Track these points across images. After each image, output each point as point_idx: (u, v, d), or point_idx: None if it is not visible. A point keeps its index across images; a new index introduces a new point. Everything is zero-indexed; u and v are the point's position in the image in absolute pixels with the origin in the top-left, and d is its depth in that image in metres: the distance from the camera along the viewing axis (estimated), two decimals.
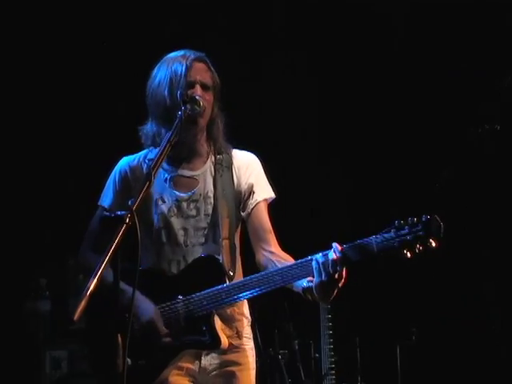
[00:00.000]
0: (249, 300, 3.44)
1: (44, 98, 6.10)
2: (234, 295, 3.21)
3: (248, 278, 3.23)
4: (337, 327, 5.45)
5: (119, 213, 2.70)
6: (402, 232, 2.96)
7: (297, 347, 5.60)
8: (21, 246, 6.00)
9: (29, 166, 6.10)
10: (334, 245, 3.05)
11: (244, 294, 3.21)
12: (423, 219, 2.95)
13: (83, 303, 2.46)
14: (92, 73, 6.08)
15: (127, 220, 2.67)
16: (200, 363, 3.34)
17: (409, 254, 2.95)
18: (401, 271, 5.85)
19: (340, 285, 3.05)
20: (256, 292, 3.19)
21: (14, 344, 5.77)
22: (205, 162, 3.45)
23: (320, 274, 3.04)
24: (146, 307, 3.23)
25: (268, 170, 3.53)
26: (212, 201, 3.38)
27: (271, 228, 3.44)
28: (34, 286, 5.84)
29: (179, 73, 3.33)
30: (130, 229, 2.67)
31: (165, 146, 3.05)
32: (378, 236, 2.99)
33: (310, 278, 3.12)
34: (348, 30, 6.36)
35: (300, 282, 3.16)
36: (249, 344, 3.45)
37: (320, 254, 3.07)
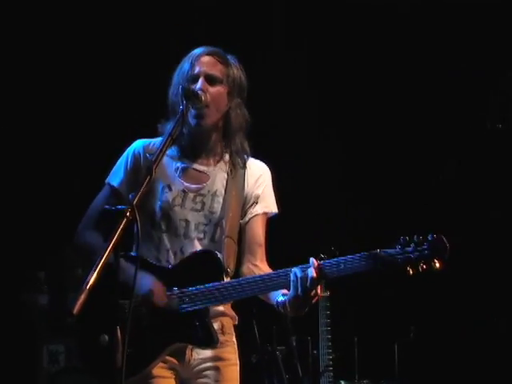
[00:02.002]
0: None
1: (39, 95, 6.10)
2: (231, 294, 3.19)
3: (243, 278, 3.24)
4: (335, 324, 5.44)
5: (120, 207, 2.71)
6: (407, 249, 2.95)
7: (294, 343, 5.59)
8: (18, 240, 5.99)
9: (24, 159, 6.10)
10: (311, 260, 3.05)
11: (239, 294, 3.19)
12: (429, 238, 2.94)
13: (83, 297, 2.46)
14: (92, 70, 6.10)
15: (128, 214, 2.68)
16: (184, 358, 3.32)
17: (411, 271, 2.95)
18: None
19: (313, 301, 3.08)
20: (247, 295, 3.18)
21: (12, 338, 5.76)
22: (219, 161, 3.44)
23: (296, 289, 3.05)
24: (146, 280, 3.20)
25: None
26: (221, 199, 3.37)
27: (263, 242, 3.45)
28: (31, 279, 5.83)
29: (185, 69, 3.35)
30: (130, 222, 2.67)
31: (166, 140, 3.04)
32: (383, 251, 2.99)
33: (284, 291, 3.14)
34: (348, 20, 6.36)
35: (275, 294, 3.19)
36: (232, 339, 3.43)
37: (299, 267, 3.07)
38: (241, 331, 3.50)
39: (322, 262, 3.05)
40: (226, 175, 3.42)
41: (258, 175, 3.48)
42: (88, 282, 2.48)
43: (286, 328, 5.59)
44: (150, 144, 3.43)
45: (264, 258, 3.44)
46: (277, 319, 5.63)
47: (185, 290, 3.22)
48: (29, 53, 6.00)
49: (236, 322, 3.47)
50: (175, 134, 3.08)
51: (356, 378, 5.72)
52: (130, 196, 2.76)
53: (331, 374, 5.45)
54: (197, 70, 3.34)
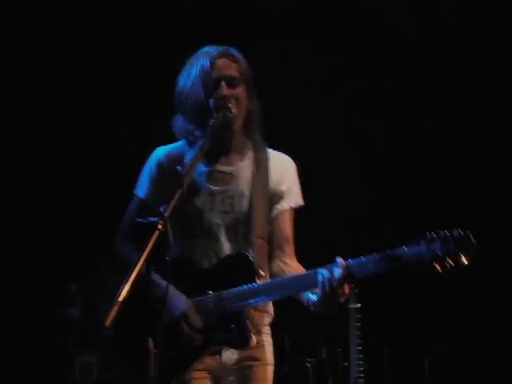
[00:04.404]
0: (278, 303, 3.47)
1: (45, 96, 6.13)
2: (260, 296, 3.23)
3: (272, 281, 3.29)
4: (366, 336, 5.42)
5: (152, 219, 2.75)
6: (433, 246, 2.94)
7: (325, 355, 5.59)
8: (51, 252, 6.04)
9: (59, 167, 6.15)
10: (339, 260, 3.07)
11: (270, 296, 3.25)
12: (455, 235, 2.92)
13: (116, 309, 2.49)
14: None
15: (159, 227, 2.71)
16: (220, 358, 3.35)
17: (439, 268, 2.93)
18: (432, 282, 5.84)
19: (342, 300, 3.09)
20: (278, 297, 3.25)
21: (44, 350, 5.80)
22: (242, 159, 3.44)
23: (324, 289, 3.07)
24: (180, 301, 3.23)
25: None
26: (248, 198, 3.38)
27: (291, 238, 3.46)
28: (64, 291, 5.87)
29: (206, 68, 3.33)
30: (162, 234, 2.70)
31: (197, 154, 3.09)
32: (409, 248, 2.98)
33: (315, 290, 3.16)
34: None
35: (306, 293, 3.21)
36: (268, 340, 3.45)
37: (325, 267, 3.09)
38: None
39: (348, 260, 3.05)
40: (250, 173, 3.42)
41: (283, 169, 3.47)
42: (120, 294, 2.52)
43: (317, 340, 5.59)
44: (171, 150, 3.46)
45: (293, 254, 3.44)
46: (307, 331, 5.64)
47: (220, 293, 3.25)
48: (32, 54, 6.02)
49: (271, 320, 3.48)
50: (206, 148, 3.11)
51: None
52: (162, 209, 2.80)
53: None
54: (216, 75, 3.32)
